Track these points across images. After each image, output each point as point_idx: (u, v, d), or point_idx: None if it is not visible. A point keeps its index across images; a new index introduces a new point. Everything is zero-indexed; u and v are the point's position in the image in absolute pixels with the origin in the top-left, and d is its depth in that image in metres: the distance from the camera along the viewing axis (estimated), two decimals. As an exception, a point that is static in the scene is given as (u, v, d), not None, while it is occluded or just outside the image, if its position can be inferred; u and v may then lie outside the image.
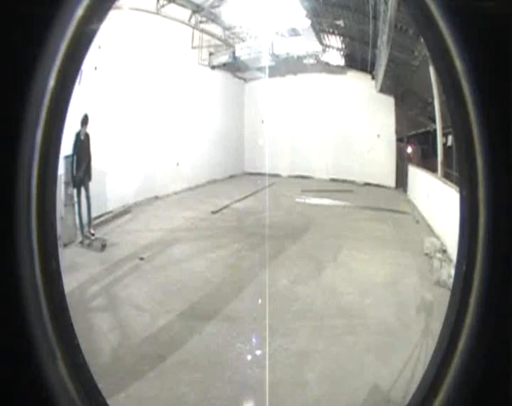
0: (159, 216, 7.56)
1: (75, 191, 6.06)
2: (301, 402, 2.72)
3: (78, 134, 6.09)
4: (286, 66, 12.27)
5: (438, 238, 6.12)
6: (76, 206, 6.03)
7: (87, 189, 6.11)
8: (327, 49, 12.45)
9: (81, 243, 5.85)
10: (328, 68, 12.87)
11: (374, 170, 12.12)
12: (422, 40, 6.48)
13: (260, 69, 12.35)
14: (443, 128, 8.36)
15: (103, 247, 5.77)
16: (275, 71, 12.07)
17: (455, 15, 0.78)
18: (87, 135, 6.25)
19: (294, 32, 10.58)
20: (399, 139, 12.36)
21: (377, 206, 8.83)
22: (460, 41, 0.78)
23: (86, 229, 6.04)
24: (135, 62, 8.07)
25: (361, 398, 2.71)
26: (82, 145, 6.13)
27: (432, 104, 9.03)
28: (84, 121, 6.20)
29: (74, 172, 5.98)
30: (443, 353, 0.81)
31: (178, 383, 2.80)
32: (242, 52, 10.89)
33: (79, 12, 0.76)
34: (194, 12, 10.21)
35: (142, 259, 5.21)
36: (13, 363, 0.73)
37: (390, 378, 2.83)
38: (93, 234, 6.07)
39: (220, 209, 8.25)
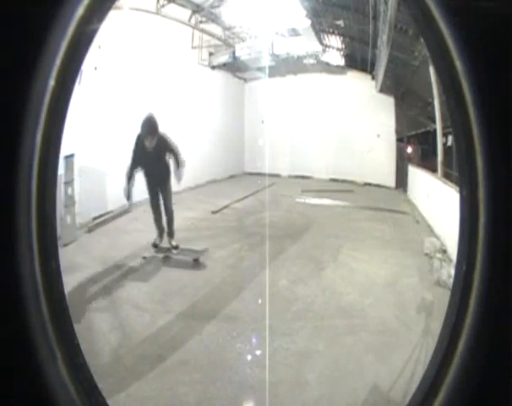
0: (159, 216, 7.55)
1: (152, 214, 5.26)
2: (301, 402, 2.72)
3: (139, 140, 5.01)
4: (286, 66, 12.27)
5: (438, 238, 6.12)
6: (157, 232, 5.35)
7: (169, 213, 5.29)
8: (327, 49, 12.44)
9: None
10: (328, 68, 12.86)
11: (374, 170, 12.12)
12: (422, 40, 6.48)
13: (260, 69, 12.34)
14: (443, 128, 8.36)
15: (195, 261, 4.90)
16: (275, 71, 12.07)
17: (455, 15, 0.78)
18: (162, 140, 5.06)
19: (294, 32, 10.57)
20: (399, 139, 12.35)
21: (377, 206, 8.83)
22: (460, 41, 0.78)
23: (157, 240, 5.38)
24: (135, 62, 8.07)
25: (361, 398, 2.71)
26: (150, 156, 5.00)
27: (432, 104, 9.03)
28: (151, 125, 4.94)
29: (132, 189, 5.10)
30: (443, 353, 0.81)
31: (178, 383, 2.80)
32: (242, 52, 10.88)
33: (79, 12, 0.77)
34: (194, 12, 10.21)
35: (145, 258, 5.21)
36: (13, 363, 0.73)
37: (390, 378, 2.82)
38: (176, 247, 5.22)
39: (220, 209, 8.25)
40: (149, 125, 5.00)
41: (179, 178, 5.26)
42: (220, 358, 3.14)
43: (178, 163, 5.18)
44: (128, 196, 5.20)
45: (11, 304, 0.73)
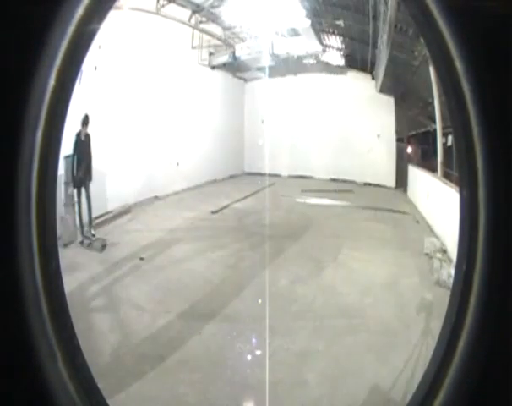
0: (159, 216, 7.56)
1: (75, 191, 5.99)
2: (301, 402, 2.72)
3: (78, 134, 6.04)
4: (286, 66, 12.27)
5: (438, 238, 6.12)
6: (76, 206, 5.99)
7: (87, 190, 6.07)
8: (327, 49, 12.45)
9: (81, 243, 5.79)
10: (328, 68, 12.87)
11: (374, 170, 12.12)
12: (422, 40, 6.48)
13: (260, 69, 12.34)
14: (443, 128, 8.36)
15: (103, 247, 5.73)
16: (275, 71, 12.07)
17: (455, 15, 0.78)
18: (87, 136, 6.20)
19: (294, 32, 10.57)
20: (399, 140, 12.35)
21: (377, 206, 8.83)
22: (460, 41, 0.78)
23: (86, 229, 6.00)
24: (135, 62, 8.07)
25: (361, 398, 2.71)
26: (82, 145, 6.07)
27: (432, 104, 9.03)
28: (85, 121, 6.14)
29: (75, 172, 5.92)
30: (443, 353, 0.81)
31: (178, 383, 2.80)
32: (242, 52, 10.89)
33: (79, 12, 0.76)
34: (194, 12, 10.21)
35: (142, 259, 5.21)
36: (13, 363, 0.73)
37: (390, 378, 2.82)
38: (93, 235, 6.01)
39: (220, 209, 8.25)
40: (84, 119, 6.08)
41: (90, 177, 6.06)
42: (221, 358, 3.14)
43: (89, 162, 6.08)
44: (75, 184, 5.94)
45: (11, 304, 0.73)
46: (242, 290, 4.33)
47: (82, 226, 6.02)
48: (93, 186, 6.20)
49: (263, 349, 3.19)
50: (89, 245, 5.81)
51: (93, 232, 6.08)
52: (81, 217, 6.04)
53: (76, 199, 6.03)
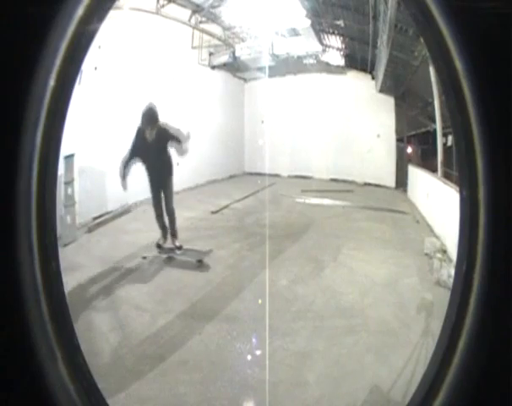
0: (159, 216, 7.55)
1: (152, 198, 5.12)
2: (301, 402, 2.72)
3: (140, 132, 4.93)
4: (286, 66, 12.28)
5: (438, 238, 6.11)
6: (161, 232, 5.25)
7: (170, 212, 5.11)
8: (327, 49, 12.44)
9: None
10: (328, 68, 12.86)
11: (374, 170, 12.11)
12: (422, 40, 6.48)
13: (260, 69, 12.34)
14: (443, 128, 8.36)
15: (199, 263, 4.85)
16: (274, 71, 12.07)
17: (455, 15, 0.78)
18: (162, 131, 4.92)
19: (294, 32, 10.57)
20: (399, 140, 12.35)
21: (377, 206, 8.83)
22: (460, 41, 0.78)
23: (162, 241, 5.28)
24: (135, 62, 8.07)
25: (361, 398, 2.71)
26: (149, 148, 4.92)
27: (432, 104, 9.03)
28: (151, 115, 4.86)
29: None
30: (443, 353, 0.81)
31: (178, 383, 2.80)
32: (242, 52, 10.89)
33: (79, 12, 0.77)
34: (194, 12, 10.21)
35: (144, 258, 5.21)
36: (13, 363, 0.73)
37: (390, 378, 2.82)
38: (179, 247, 5.12)
39: (220, 209, 8.25)
40: (149, 116, 4.92)
41: (182, 153, 5.10)
42: (220, 358, 3.14)
43: (181, 145, 5.03)
44: (125, 187, 5.15)
45: (11, 304, 0.73)
46: (241, 290, 4.33)
47: (165, 237, 5.26)
48: (93, 186, 6.19)
49: (263, 349, 3.20)
50: (170, 259, 5.01)
51: (178, 244, 5.17)
52: (164, 226, 5.21)
53: (154, 205, 5.14)
